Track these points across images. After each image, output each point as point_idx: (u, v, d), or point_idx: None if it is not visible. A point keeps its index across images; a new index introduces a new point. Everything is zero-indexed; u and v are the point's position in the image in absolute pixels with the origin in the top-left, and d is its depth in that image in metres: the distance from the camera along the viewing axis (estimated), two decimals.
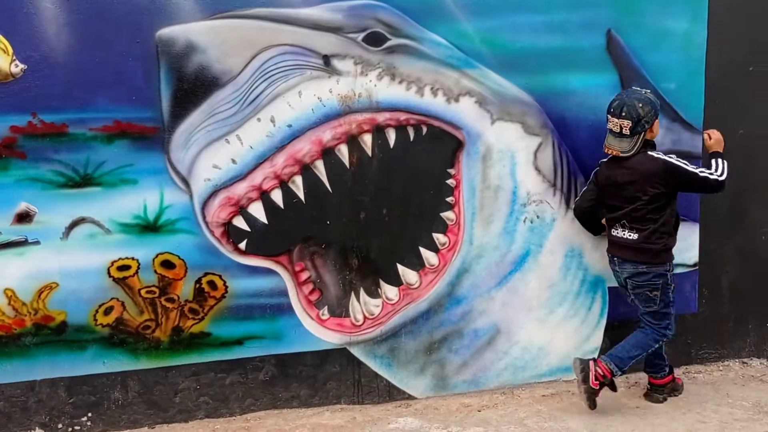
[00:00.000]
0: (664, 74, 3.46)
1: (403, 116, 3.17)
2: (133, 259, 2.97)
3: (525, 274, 3.43)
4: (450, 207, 3.30)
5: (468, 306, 3.38)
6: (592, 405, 3.11)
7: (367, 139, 3.14)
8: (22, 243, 2.85)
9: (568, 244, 3.47)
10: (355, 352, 3.29)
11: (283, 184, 3.08)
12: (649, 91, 3.17)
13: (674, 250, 3.51)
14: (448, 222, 3.30)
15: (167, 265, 3.00)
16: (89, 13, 2.79)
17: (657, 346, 3.21)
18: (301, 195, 3.11)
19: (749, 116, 3.63)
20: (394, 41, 3.12)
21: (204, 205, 3.01)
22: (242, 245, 3.07)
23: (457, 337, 3.38)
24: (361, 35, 3.08)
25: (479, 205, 3.32)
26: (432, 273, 3.32)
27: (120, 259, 2.96)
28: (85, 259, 2.92)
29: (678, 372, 3.66)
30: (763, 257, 3.78)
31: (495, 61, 3.24)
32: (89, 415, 3.02)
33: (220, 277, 3.06)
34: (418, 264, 3.30)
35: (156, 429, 3.08)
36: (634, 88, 3.22)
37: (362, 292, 3.25)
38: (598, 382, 3.09)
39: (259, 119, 3.01)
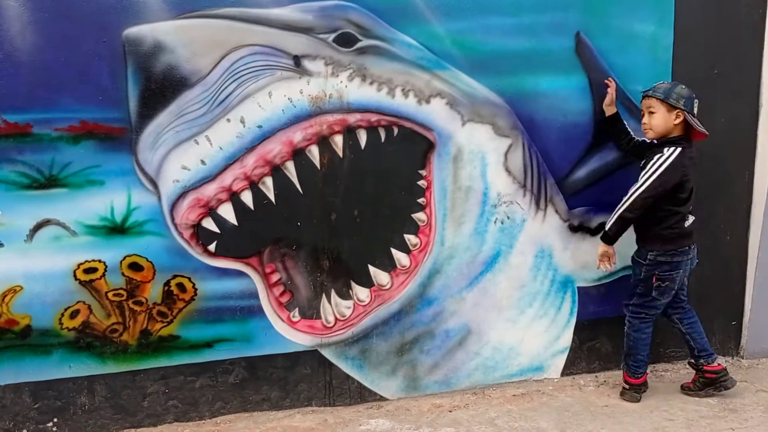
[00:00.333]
0: (632, 76, 3.50)
1: (374, 117, 3.17)
2: (99, 261, 2.92)
3: (496, 275, 3.44)
4: (421, 208, 3.30)
5: (439, 307, 3.39)
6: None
7: (338, 140, 3.14)
8: None
9: (538, 245, 3.50)
10: (327, 353, 3.27)
11: (254, 186, 3.05)
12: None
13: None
14: (420, 223, 3.31)
15: (135, 267, 2.96)
16: (54, 11, 2.74)
17: None
18: (271, 196, 3.09)
19: (715, 119, 3.68)
20: (365, 42, 3.11)
21: (173, 206, 2.97)
22: (212, 247, 3.04)
23: (429, 338, 3.39)
24: (332, 36, 3.07)
25: (450, 206, 3.33)
26: (403, 274, 3.32)
27: (86, 261, 2.91)
28: (50, 262, 2.86)
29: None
30: (728, 258, 3.84)
31: (466, 63, 3.25)
32: (55, 420, 2.97)
33: (189, 279, 3.03)
34: (389, 265, 3.30)
35: None
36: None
37: (333, 294, 3.24)
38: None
39: (228, 120, 2.98)
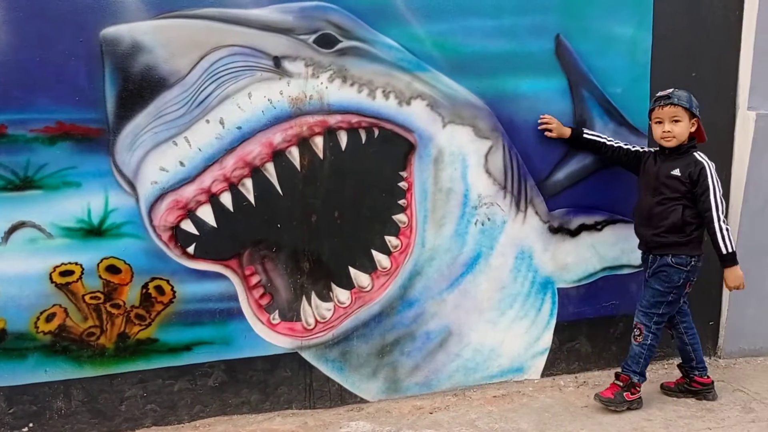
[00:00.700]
0: (611, 79, 3.53)
1: (354, 119, 3.16)
2: (76, 264, 2.88)
3: (476, 277, 3.45)
4: (402, 210, 3.30)
5: (420, 308, 3.39)
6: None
7: (318, 142, 3.12)
8: None
9: (519, 246, 3.51)
10: (307, 356, 3.26)
11: (233, 187, 3.03)
12: None
13: (621, 251, 3.63)
14: (400, 225, 3.31)
15: (112, 270, 2.93)
16: (30, 10, 2.70)
17: None
18: (251, 198, 3.06)
19: None
20: (345, 43, 3.10)
21: (151, 208, 2.94)
22: (191, 249, 3.01)
23: (409, 340, 3.39)
24: (312, 37, 3.06)
25: (431, 207, 3.33)
26: (384, 276, 3.32)
27: (62, 264, 2.87)
28: (25, 265, 2.82)
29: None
30: (706, 259, 3.86)
31: (446, 65, 3.25)
32: (30, 425, 2.92)
33: (167, 281, 3.00)
34: (370, 267, 3.29)
35: None
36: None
37: (314, 296, 3.23)
38: None
39: (207, 121, 2.96)
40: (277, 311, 3.18)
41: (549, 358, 3.64)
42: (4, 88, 2.71)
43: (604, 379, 3.64)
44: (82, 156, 2.83)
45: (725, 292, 3.91)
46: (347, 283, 3.27)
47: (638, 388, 3.26)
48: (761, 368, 3.84)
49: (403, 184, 3.28)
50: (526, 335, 3.59)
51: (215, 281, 3.06)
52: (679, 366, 3.50)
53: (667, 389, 3.48)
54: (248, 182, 3.05)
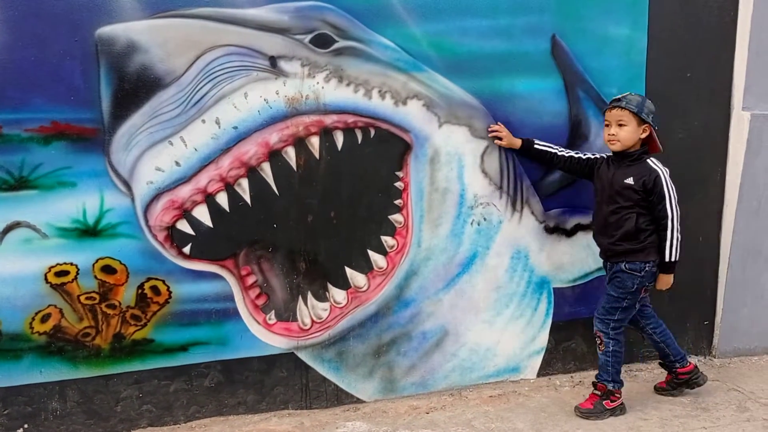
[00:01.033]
0: (606, 79, 3.53)
1: (350, 119, 3.15)
2: (71, 264, 2.87)
3: (472, 276, 3.45)
4: (398, 209, 3.30)
5: (416, 308, 3.39)
6: None
7: (314, 142, 3.12)
8: None
9: (515, 246, 3.51)
10: (303, 356, 3.25)
11: (229, 187, 3.02)
12: None
13: None
14: (397, 224, 3.31)
15: (108, 270, 2.92)
16: (25, 10, 2.69)
17: None
18: (247, 198, 3.06)
19: (687, 122, 3.74)
20: (341, 43, 3.10)
21: (146, 208, 2.93)
22: (186, 249, 3.00)
23: (406, 340, 3.39)
24: (309, 37, 3.05)
25: (427, 207, 3.33)
26: (380, 276, 3.32)
27: (58, 264, 2.85)
28: (20, 265, 2.80)
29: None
30: (700, 258, 3.89)
31: (442, 65, 3.25)
32: (25, 426, 2.91)
33: (163, 282, 2.99)
34: (366, 267, 3.29)
35: None
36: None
37: (310, 296, 3.22)
38: None
39: (203, 121, 2.95)
40: (273, 311, 3.17)
41: (545, 357, 3.65)
42: None
43: None
44: (78, 156, 2.82)
45: (720, 292, 3.92)
46: (343, 283, 3.27)
47: (618, 395, 3.23)
48: (756, 367, 3.86)
49: (399, 184, 3.28)
50: (522, 335, 3.59)
51: (211, 281, 3.06)
52: (660, 364, 3.50)
53: (660, 390, 3.48)
54: (244, 182, 3.04)
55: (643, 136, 3.16)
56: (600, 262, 3.57)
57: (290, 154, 3.09)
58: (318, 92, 3.09)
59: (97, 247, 2.89)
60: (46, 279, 2.85)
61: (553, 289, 3.62)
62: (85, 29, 2.77)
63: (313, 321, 3.24)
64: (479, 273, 3.46)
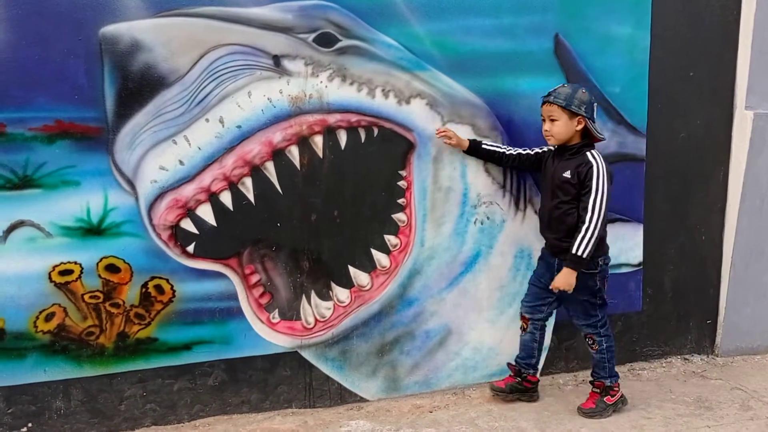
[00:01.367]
0: (609, 78, 3.54)
1: (354, 118, 3.16)
2: (75, 263, 2.87)
3: (476, 275, 3.45)
4: (401, 208, 3.30)
5: (419, 307, 3.39)
6: None
7: (318, 141, 3.12)
8: None
9: (518, 246, 3.51)
10: (307, 355, 3.25)
11: (233, 186, 3.02)
12: None
13: (619, 250, 3.65)
14: (400, 223, 3.31)
15: (112, 269, 2.92)
16: (29, 8, 2.69)
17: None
18: (251, 197, 3.06)
19: (690, 121, 3.74)
20: (345, 42, 3.10)
21: (150, 207, 2.93)
22: (190, 248, 3.00)
23: (409, 339, 3.39)
24: (312, 36, 3.06)
25: (430, 206, 3.33)
26: (383, 275, 3.32)
27: (62, 263, 2.85)
28: (24, 264, 2.80)
29: (623, 369, 3.77)
30: (703, 257, 3.90)
31: (445, 64, 3.25)
32: (29, 425, 2.91)
33: (167, 281, 2.99)
34: (369, 266, 3.29)
35: None
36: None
37: (313, 295, 3.22)
38: None
39: (207, 120, 2.95)
40: (276, 310, 3.18)
41: (548, 356, 3.64)
42: (3, 87, 2.69)
43: None
44: (82, 155, 2.82)
45: (723, 290, 3.93)
46: (347, 282, 3.27)
47: (616, 388, 3.24)
48: (759, 366, 3.86)
49: (402, 183, 3.28)
50: None
51: (215, 280, 3.06)
52: (510, 364, 3.38)
53: (496, 389, 3.34)
54: (248, 181, 3.04)
55: (579, 128, 3.07)
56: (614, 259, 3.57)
57: (294, 153, 3.10)
58: (321, 91, 3.09)
59: (101, 246, 2.89)
60: (50, 278, 2.85)
61: None
62: (89, 28, 2.77)
63: (316, 320, 3.24)
64: (482, 272, 3.46)
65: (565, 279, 3.05)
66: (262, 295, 3.15)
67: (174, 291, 3.00)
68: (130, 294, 2.96)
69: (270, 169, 3.07)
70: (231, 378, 3.16)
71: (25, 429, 2.91)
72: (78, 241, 2.86)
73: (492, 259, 3.46)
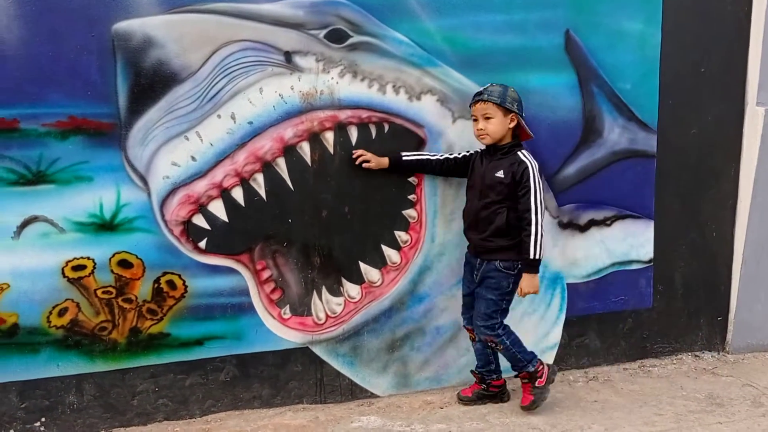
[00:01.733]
0: (620, 74, 3.53)
1: (365, 114, 3.16)
2: (88, 258, 2.88)
3: None
4: (412, 205, 3.30)
5: (430, 303, 3.39)
6: None
7: (329, 137, 3.12)
8: None
9: None
10: (318, 351, 3.26)
11: (244, 182, 3.03)
12: None
13: (630, 247, 3.63)
14: (410, 220, 3.31)
15: (124, 264, 2.93)
16: (42, 5, 2.70)
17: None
18: (262, 193, 3.07)
19: (701, 117, 3.73)
20: (356, 38, 3.10)
21: (163, 203, 2.94)
22: (202, 244, 3.01)
23: (420, 335, 3.39)
24: (323, 32, 3.06)
25: (441, 202, 3.33)
26: (394, 271, 3.32)
27: (75, 258, 2.87)
28: (37, 259, 2.82)
29: (634, 366, 3.77)
30: (714, 253, 3.89)
31: (456, 60, 3.26)
32: (43, 420, 2.93)
33: (179, 276, 3.00)
34: (380, 262, 3.29)
35: None
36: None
37: (324, 291, 3.23)
38: None
39: (219, 116, 2.96)
40: (288, 306, 3.18)
41: (558, 353, 3.65)
42: (17, 83, 2.71)
43: (613, 374, 3.66)
44: (94, 150, 2.83)
45: (734, 287, 3.91)
46: (357, 278, 3.27)
47: (539, 367, 3.15)
48: None
49: (413, 180, 3.28)
50: (535, 330, 3.59)
51: (227, 276, 3.07)
52: (473, 372, 3.34)
53: (464, 399, 3.32)
54: (259, 177, 3.05)
55: (512, 125, 3.05)
56: (614, 258, 3.60)
57: (305, 149, 3.10)
58: (332, 87, 3.09)
59: (114, 242, 2.91)
60: (63, 273, 2.86)
61: (567, 284, 3.62)
62: (102, 24, 2.78)
63: (327, 316, 3.24)
64: None
65: (529, 282, 3.05)
66: (273, 291, 3.16)
67: (186, 286, 3.01)
68: (143, 289, 2.97)
69: (281, 165, 3.07)
70: (242, 373, 3.16)
71: (38, 423, 2.92)
72: (91, 237, 2.88)
73: None
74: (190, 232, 2.99)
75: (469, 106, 3.11)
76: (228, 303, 3.09)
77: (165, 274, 2.98)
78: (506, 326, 3.15)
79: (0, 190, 2.75)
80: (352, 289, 3.27)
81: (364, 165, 3.15)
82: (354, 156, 3.14)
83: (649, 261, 3.76)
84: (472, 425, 3.08)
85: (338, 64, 3.09)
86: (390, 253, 3.30)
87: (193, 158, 2.95)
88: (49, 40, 2.73)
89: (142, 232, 2.93)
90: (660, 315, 3.84)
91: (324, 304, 3.23)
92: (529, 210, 2.99)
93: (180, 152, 2.93)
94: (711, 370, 3.74)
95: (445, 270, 3.38)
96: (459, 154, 3.23)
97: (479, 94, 3.05)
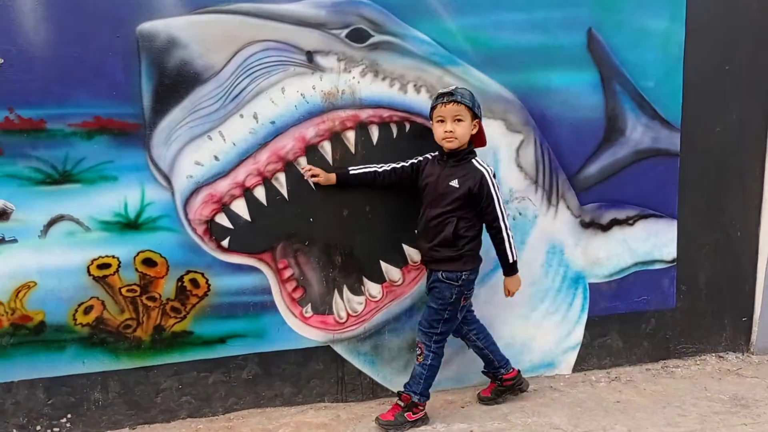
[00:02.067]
0: (644, 72, 3.51)
1: (386, 113, 3.16)
2: (113, 257, 2.92)
3: None
4: None
5: None
6: None
7: (350, 136, 3.13)
8: None
9: (550, 241, 3.49)
10: (339, 349, 3.27)
11: (267, 181, 3.05)
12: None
13: (653, 246, 3.60)
14: None
15: (148, 263, 2.96)
16: (68, 7, 2.74)
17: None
18: (284, 192, 3.08)
19: (726, 115, 3.69)
20: (377, 38, 3.11)
21: (186, 202, 2.97)
22: (225, 243, 3.04)
23: None
24: (345, 32, 3.07)
25: None
26: (415, 270, 3.32)
27: (100, 257, 2.90)
28: (64, 258, 2.86)
29: (657, 366, 3.73)
30: (739, 253, 3.84)
31: (477, 59, 3.25)
32: (68, 416, 2.97)
33: (202, 275, 3.02)
34: (401, 261, 3.30)
35: (137, 430, 3.04)
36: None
37: (345, 290, 3.24)
38: None
39: (241, 115, 2.98)
40: (309, 304, 3.20)
41: (580, 353, 3.63)
42: (44, 84, 2.75)
43: (636, 374, 3.63)
44: (119, 150, 2.87)
45: (759, 288, 3.87)
46: (378, 277, 3.28)
47: (421, 407, 3.06)
48: None
49: None
50: (557, 330, 3.57)
51: (249, 274, 3.09)
52: (485, 372, 3.30)
53: (485, 399, 3.29)
54: (281, 176, 3.07)
55: (474, 131, 2.98)
56: (637, 258, 3.57)
57: (326, 148, 3.11)
58: (354, 87, 3.10)
59: (138, 241, 2.94)
60: (88, 271, 2.90)
61: (589, 284, 3.60)
62: (127, 25, 2.81)
63: (348, 314, 3.25)
64: None
65: (514, 283, 3.13)
66: (295, 290, 3.17)
67: (209, 285, 3.04)
68: (166, 288, 3.00)
69: (303, 165, 3.08)
70: (264, 371, 3.18)
71: (64, 420, 2.96)
72: (116, 236, 2.91)
73: (524, 254, 3.45)
74: (213, 231, 3.02)
75: (432, 108, 2.99)
76: (250, 301, 3.10)
77: (188, 272, 3.01)
78: (441, 348, 3.06)
79: (27, 190, 2.79)
80: (373, 288, 3.27)
81: (313, 180, 3.08)
82: (303, 170, 3.07)
83: (673, 261, 3.73)
84: (494, 425, 3.08)
85: (360, 64, 3.10)
86: (411, 253, 3.30)
87: (216, 158, 2.97)
88: (75, 42, 2.77)
89: (166, 231, 2.96)
90: (683, 315, 3.80)
91: (345, 302, 3.24)
92: (497, 218, 2.96)
93: (203, 152, 2.95)
94: (735, 371, 3.70)
95: None
96: (407, 162, 3.13)
97: (450, 94, 2.92)
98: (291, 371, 3.22)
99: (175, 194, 2.96)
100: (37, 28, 2.72)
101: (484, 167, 2.97)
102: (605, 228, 3.59)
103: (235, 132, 2.98)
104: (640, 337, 3.74)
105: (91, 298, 2.92)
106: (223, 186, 3.00)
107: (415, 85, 3.18)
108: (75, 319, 2.91)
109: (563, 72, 3.37)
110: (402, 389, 3.08)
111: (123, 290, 2.95)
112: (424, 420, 3.09)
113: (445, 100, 2.93)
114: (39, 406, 2.93)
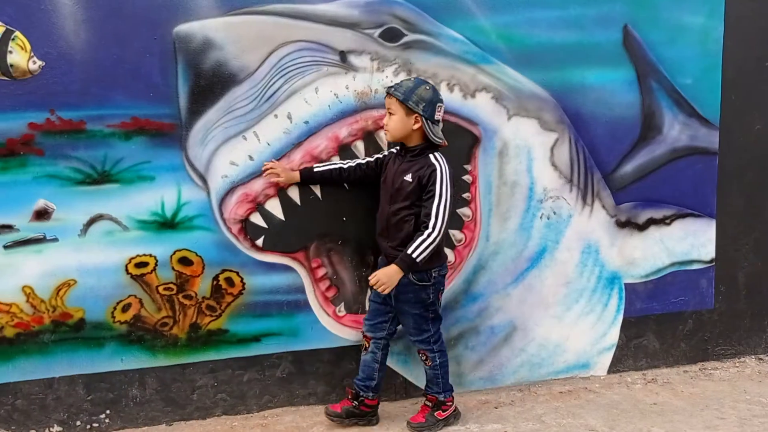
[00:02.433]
0: (681, 69, 3.45)
1: None
2: (150, 255, 2.96)
3: (541, 271, 3.41)
4: (466, 203, 3.29)
5: (484, 303, 3.37)
6: None
7: (383, 136, 3.13)
8: (41, 240, 2.84)
9: (585, 241, 3.46)
10: None
11: None
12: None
13: (691, 246, 3.54)
14: (465, 218, 3.29)
15: (185, 261, 3.00)
16: (107, 9, 2.79)
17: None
18: (318, 192, 3.10)
19: (766, 112, 3.62)
20: (410, 37, 3.11)
21: (221, 201, 3.00)
22: (259, 242, 3.06)
23: (474, 334, 3.37)
24: (378, 31, 3.07)
25: (496, 201, 3.31)
26: (449, 269, 3.30)
27: (138, 255, 2.95)
28: (103, 256, 2.91)
29: (694, 368, 3.67)
30: (763, 256, 3.75)
31: (511, 57, 3.23)
32: (107, 412, 3.02)
33: (237, 273, 3.05)
34: None
35: (174, 426, 3.08)
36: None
37: None
38: None
39: (276, 116, 3.00)
40: (342, 303, 3.21)
41: (615, 354, 3.59)
42: (83, 85, 2.80)
43: (673, 376, 3.57)
44: (156, 151, 2.90)
45: None
46: None
47: (449, 403, 3.05)
48: None
49: (467, 178, 3.27)
50: (592, 331, 3.53)
51: (283, 273, 3.11)
52: (348, 387, 3.09)
53: (331, 414, 3.02)
54: None
55: (416, 127, 2.84)
56: (674, 258, 3.53)
57: (359, 148, 3.12)
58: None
59: (175, 240, 2.97)
60: (126, 270, 2.94)
61: (625, 284, 3.55)
62: (164, 27, 2.85)
63: None
64: (548, 267, 3.42)
65: (386, 273, 2.81)
66: (328, 289, 3.18)
67: (244, 283, 3.06)
68: (202, 286, 3.03)
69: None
70: (298, 370, 3.20)
71: (103, 416, 3.01)
72: (153, 235, 2.95)
73: (558, 254, 3.42)
74: (247, 230, 3.04)
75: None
76: (284, 300, 3.13)
77: (224, 271, 3.04)
78: (442, 343, 3.05)
79: (67, 190, 2.84)
80: None
81: (272, 179, 3.01)
82: (264, 168, 2.99)
83: (711, 261, 3.66)
84: (528, 426, 3.05)
85: (392, 63, 3.10)
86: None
87: (250, 157, 2.99)
88: (113, 44, 2.81)
89: (202, 230, 2.99)
90: (722, 316, 3.73)
91: None
92: (430, 215, 2.79)
93: (238, 152, 2.98)
94: None
95: (500, 269, 3.36)
96: (372, 157, 3.08)
97: (390, 87, 2.87)
98: (324, 370, 3.24)
99: (210, 194, 2.99)
100: (77, 31, 2.77)
101: (440, 163, 2.86)
102: (642, 227, 3.54)
103: (269, 132, 3.00)
104: (678, 338, 3.68)
105: (129, 296, 2.96)
106: (257, 185, 3.02)
107: (448, 84, 3.18)
108: (113, 317, 2.96)
109: (598, 69, 3.34)
110: (426, 391, 3.08)
111: (160, 288, 2.99)
112: (456, 414, 3.11)
113: (386, 92, 2.89)
114: (79, 402, 2.98)
